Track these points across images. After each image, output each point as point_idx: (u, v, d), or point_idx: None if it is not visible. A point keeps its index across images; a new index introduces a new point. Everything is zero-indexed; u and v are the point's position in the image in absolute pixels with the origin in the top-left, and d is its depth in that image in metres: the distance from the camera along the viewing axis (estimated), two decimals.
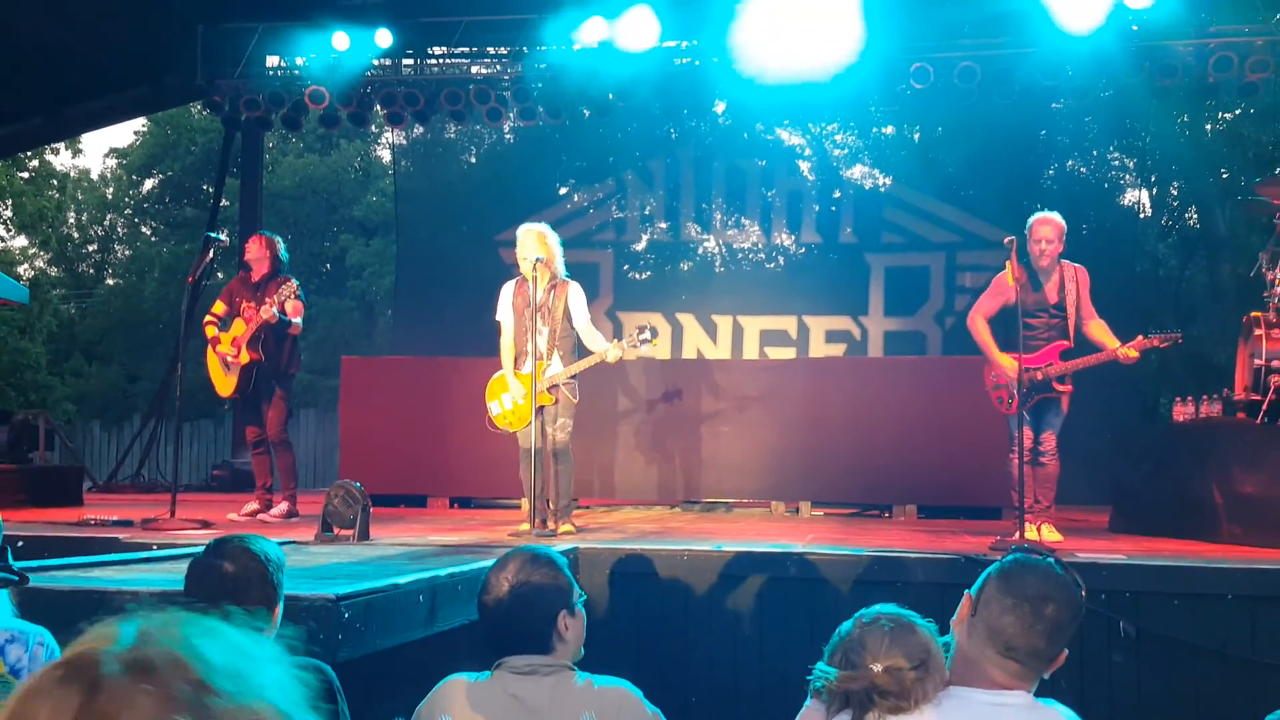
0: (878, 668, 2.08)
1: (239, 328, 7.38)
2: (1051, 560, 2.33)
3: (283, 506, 7.58)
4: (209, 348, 7.58)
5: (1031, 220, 6.48)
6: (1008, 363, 6.31)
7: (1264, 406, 6.40)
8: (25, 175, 24.13)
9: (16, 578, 2.74)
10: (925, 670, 2.11)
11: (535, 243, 6.56)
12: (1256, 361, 6.56)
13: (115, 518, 6.82)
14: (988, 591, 2.26)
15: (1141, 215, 16.74)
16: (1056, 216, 6.46)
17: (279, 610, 2.80)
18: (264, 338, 7.37)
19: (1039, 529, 6.35)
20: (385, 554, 5.25)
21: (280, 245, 7.66)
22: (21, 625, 2.65)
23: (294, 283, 7.36)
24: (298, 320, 7.47)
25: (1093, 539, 6.57)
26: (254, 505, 7.63)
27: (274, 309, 7.19)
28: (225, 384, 7.50)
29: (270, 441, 7.63)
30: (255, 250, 7.56)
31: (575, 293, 6.68)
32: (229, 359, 7.42)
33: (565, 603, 2.61)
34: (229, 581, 2.69)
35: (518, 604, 2.56)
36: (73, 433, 19.43)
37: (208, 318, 7.58)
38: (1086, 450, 8.00)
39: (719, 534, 6.77)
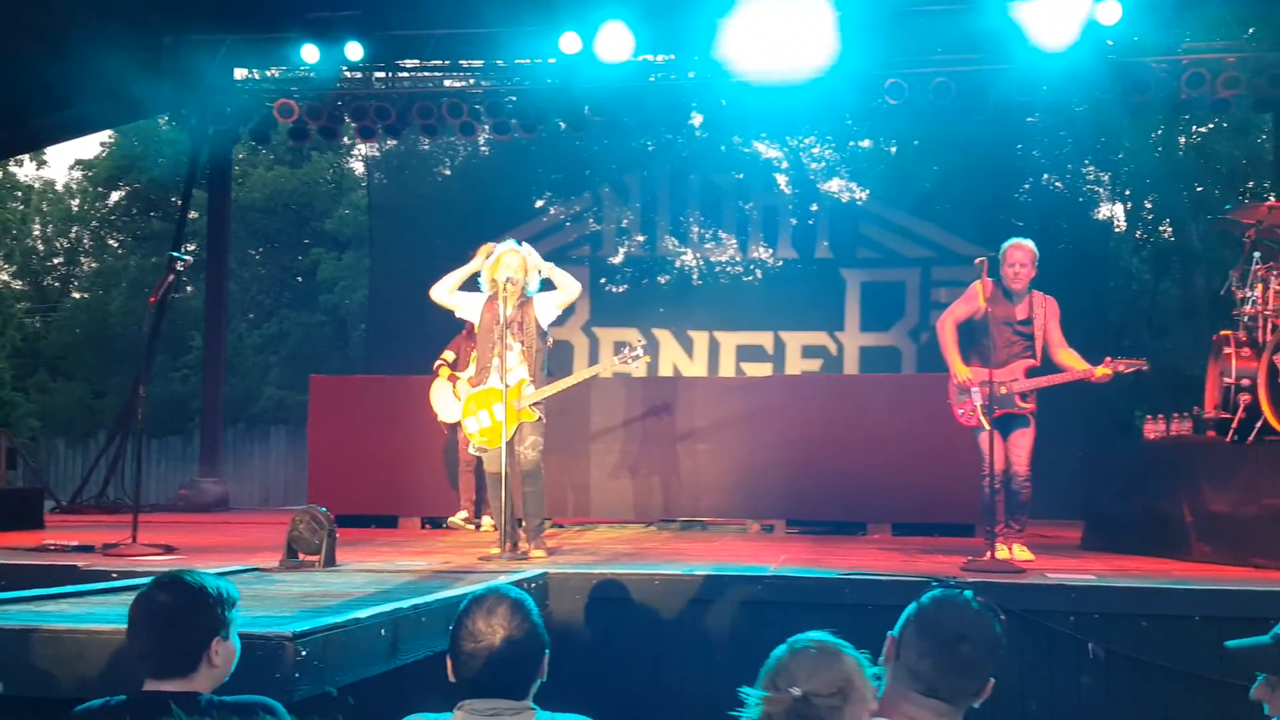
0: (797, 693, 2.11)
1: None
2: (969, 595, 2.44)
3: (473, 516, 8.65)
4: (435, 382, 8.60)
5: (1005, 245, 6.53)
6: (963, 373, 6.40)
7: (1234, 425, 6.44)
8: None
9: None
10: (844, 699, 2.13)
11: (518, 265, 6.50)
12: (1226, 380, 6.59)
13: (75, 543, 6.66)
14: (906, 635, 2.38)
15: (1116, 230, 16.85)
16: (1029, 243, 6.52)
17: (224, 644, 2.69)
18: None
19: (1010, 548, 6.37)
20: (350, 582, 5.15)
21: None
22: None
23: None
24: None
25: (1064, 558, 6.58)
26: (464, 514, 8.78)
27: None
28: (456, 412, 8.07)
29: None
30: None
31: (539, 300, 6.63)
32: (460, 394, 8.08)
33: (546, 645, 2.60)
34: (164, 615, 2.64)
35: (511, 654, 2.51)
36: (36, 450, 19.08)
37: (439, 362, 8.66)
38: (1059, 464, 7.98)
39: (693, 555, 6.73)
